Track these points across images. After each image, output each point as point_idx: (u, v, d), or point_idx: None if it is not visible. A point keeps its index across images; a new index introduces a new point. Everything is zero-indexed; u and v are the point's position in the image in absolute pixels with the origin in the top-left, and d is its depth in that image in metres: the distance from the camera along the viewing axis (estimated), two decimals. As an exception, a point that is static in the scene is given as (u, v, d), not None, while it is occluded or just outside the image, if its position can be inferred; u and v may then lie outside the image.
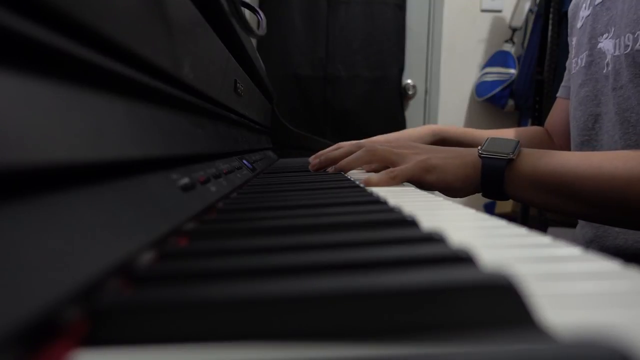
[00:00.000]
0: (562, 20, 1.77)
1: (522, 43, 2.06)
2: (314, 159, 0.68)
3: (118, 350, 0.12)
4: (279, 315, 0.13)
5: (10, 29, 0.15)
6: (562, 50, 1.75)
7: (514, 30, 2.08)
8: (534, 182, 0.51)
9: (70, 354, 0.12)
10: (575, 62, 0.70)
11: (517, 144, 0.53)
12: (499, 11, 2.12)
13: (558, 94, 0.81)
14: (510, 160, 0.51)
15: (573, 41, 0.74)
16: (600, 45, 0.63)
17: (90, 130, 0.20)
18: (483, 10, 2.13)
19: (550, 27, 1.76)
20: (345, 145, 0.68)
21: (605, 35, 0.62)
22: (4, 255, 0.12)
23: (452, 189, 0.55)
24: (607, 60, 0.61)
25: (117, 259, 0.17)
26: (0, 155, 0.13)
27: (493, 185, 0.52)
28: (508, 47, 2.08)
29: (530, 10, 2.01)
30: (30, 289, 0.12)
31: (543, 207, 0.55)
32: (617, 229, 0.62)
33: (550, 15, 1.77)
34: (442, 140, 0.79)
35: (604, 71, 0.62)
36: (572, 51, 0.74)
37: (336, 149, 0.69)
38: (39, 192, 0.15)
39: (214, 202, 0.34)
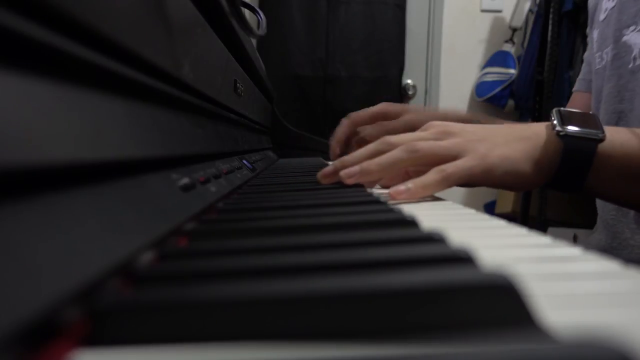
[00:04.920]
0: (562, 20, 1.77)
1: (522, 43, 2.06)
2: (328, 173, 0.46)
3: (118, 351, 0.12)
4: (279, 316, 0.13)
5: (10, 29, 0.15)
6: (562, 50, 1.75)
7: (514, 30, 2.08)
8: (625, 167, 0.40)
9: (70, 354, 0.12)
10: (600, 56, 0.65)
11: (598, 118, 0.41)
12: (499, 11, 2.12)
13: (575, 88, 0.76)
14: (600, 141, 0.39)
15: (594, 34, 0.68)
16: (625, 38, 0.59)
17: (90, 130, 0.20)
18: (483, 11, 2.13)
19: (550, 27, 1.76)
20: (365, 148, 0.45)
21: (632, 28, 0.58)
22: (4, 255, 0.12)
23: (521, 182, 0.42)
24: (633, 54, 0.57)
25: (117, 259, 0.17)
26: (0, 155, 0.13)
27: (574, 174, 0.40)
28: (508, 47, 2.08)
29: (530, 10, 2.01)
30: (30, 289, 0.12)
31: (628, 203, 0.43)
32: (632, 241, 0.57)
33: (550, 15, 1.77)
34: None
35: (630, 66, 0.58)
36: (594, 45, 0.68)
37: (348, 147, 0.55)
38: (39, 192, 0.15)
39: (214, 202, 0.34)
